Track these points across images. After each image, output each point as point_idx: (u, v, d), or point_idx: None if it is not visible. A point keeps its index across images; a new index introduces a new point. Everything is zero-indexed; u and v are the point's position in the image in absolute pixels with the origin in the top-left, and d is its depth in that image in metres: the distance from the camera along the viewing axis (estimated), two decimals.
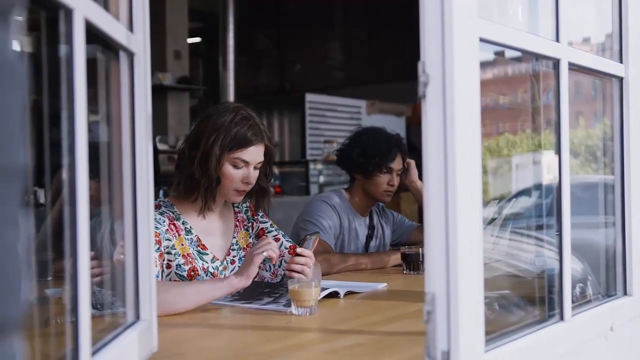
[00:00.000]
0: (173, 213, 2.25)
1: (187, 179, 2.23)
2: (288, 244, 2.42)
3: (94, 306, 1.18)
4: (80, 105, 1.03)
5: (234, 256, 2.37)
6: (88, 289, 1.04)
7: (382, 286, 2.38)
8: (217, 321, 1.86)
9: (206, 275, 2.24)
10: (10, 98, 0.55)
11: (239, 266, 2.34)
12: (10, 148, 0.55)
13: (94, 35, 1.13)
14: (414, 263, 2.68)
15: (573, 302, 1.58)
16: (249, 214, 2.46)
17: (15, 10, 0.56)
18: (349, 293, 2.21)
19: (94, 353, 1.11)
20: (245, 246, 2.40)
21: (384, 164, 3.03)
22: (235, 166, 2.22)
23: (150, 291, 1.41)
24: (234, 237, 2.39)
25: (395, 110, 8.50)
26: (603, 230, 2.00)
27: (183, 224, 2.26)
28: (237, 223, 2.42)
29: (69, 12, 1.00)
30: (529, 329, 1.45)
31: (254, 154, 2.24)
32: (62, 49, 1.03)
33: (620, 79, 1.84)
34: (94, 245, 1.10)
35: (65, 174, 1.04)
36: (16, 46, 0.57)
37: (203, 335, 1.76)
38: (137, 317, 1.39)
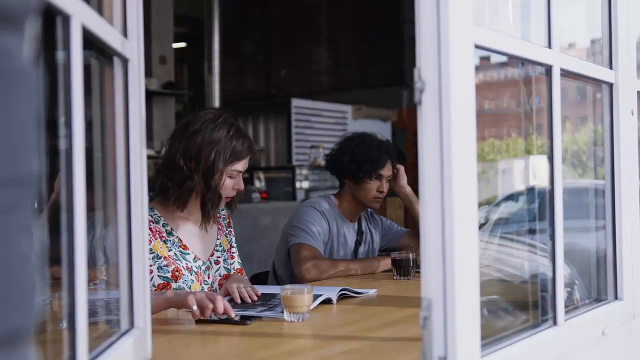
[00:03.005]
0: (152, 216, 2.28)
1: (187, 192, 2.28)
2: (237, 266, 2.51)
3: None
4: (78, 111, 1.02)
5: (217, 257, 2.43)
6: (85, 297, 1.04)
7: (372, 292, 2.38)
8: (210, 328, 1.85)
9: (190, 274, 2.29)
10: (25, 106, 0.54)
11: (223, 267, 2.43)
12: (24, 156, 0.55)
13: (88, 41, 1.12)
14: (404, 268, 2.68)
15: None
16: (225, 222, 2.54)
17: (29, 18, 0.56)
18: (342, 297, 2.21)
19: None
20: (226, 249, 2.49)
21: (374, 170, 3.03)
22: (231, 177, 2.32)
23: (144, 299, 1.41)
24: (218, 239, 2.46)
25: (381, 115, 8.52)
26: (590, 234, 2.01)
27: (163, 226, 2.31)
28: (220, 226, 2.49)
29: (66, 18, 1.00)
30: (524, 334, 1.46)
31: (246, 163, 2.36)
32: (59, 55, 1.02)
33: (610, 85, 1.85)
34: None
35: (61, 181, 1.03)
36: (29, 54, 0.57)
37: (196, 342, 1.75)
38: (132, 325, 1.38)
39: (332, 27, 9.99)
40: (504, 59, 1.58)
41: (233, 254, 2.53)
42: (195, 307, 1.83)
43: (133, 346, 1.33)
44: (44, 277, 0.60)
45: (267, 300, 2.15)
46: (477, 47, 1.26)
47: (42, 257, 0.60)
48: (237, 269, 2.50)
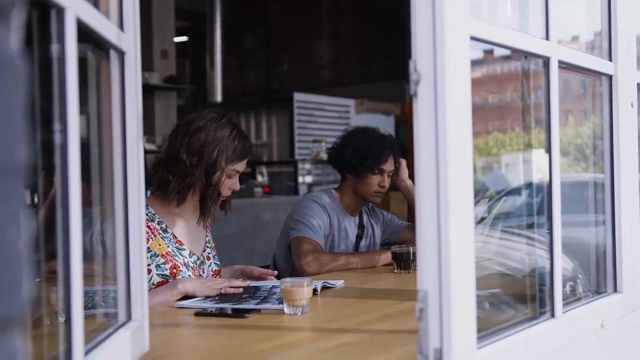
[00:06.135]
0: (147, 214, 2.29)
1: (187, 187, 2.31)
2: (215, 268, 2.50)
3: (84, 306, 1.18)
4: (73, 105, 1.02)
5: (208, 253, 2.48)
6: (81, 290, 1.04)
7: (339, 283, 2.41)
8: (208, 321, 1.85)
9: (187, 270, 2.32)
10: (12, 96, 0.55)
11: (214, 263, 2.48)
12: (12, 146, 0.55)
13: (84, 34, 1.12)
14: (404, 262, 2.68)
15: (563, 299, 1.58)
16: (209, 222, 2.56)
17: (16, 8, 0.56)
18: (324, 288, 2.27)
19: (86, 353, 1.10)
20: (213, 247, 2.54)
21: (376, 165, 3.02)
22: (229, 176, 2.35)
23: (141, 291, 1.41)
24: (207, 236, 2.50)
25: (383, 109, 8.51)
26: (592, 228, 2.01)
27: (158, 223, 2.33)
28: (208, 225, 2.53)
29: (60, 11, 1.00)
30: (521, 326, 1.46)
31: (245, 164, 2.40)
32: (54, 48, 1.02)
33: (610, 77, 1.85)
34: (83, 246, 1.10)
35: (56, 175, 1.03)
36: (16, 44, 0.57)
37: (195, 335, 1.75)
38: (129, 317, 1.39)
39: (334, 20, 9.98)
40: (507, 52, 1.58)
41: (208, 256, 2.54)
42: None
43: (130, 338, 1.33)
44: (33, 266, 0.60)
45: (254, 293, 2.16)
46: (473, 39, 1.26)
47: (31, 246, 0.60)
48: (215, 270, 2.50)
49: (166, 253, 2.28)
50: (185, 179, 2.29)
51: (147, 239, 2.24)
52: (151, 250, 2.24)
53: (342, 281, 2.44)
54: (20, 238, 0.56)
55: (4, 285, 0.54)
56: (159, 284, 2.23)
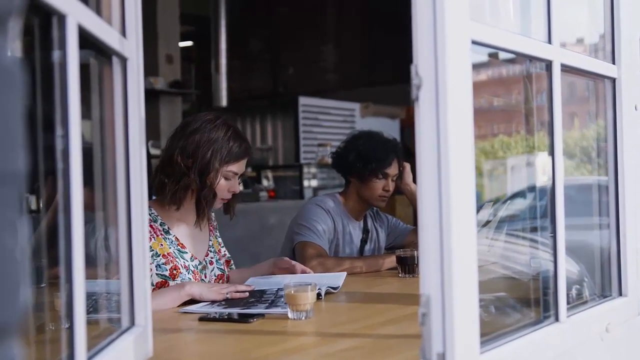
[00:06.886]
0: (150, 215, 2.30)
1: (183, 189, 2.31)
2: (218, 272, 2.50)
3: (87, 311, 1.18)
4: (74, 111, 1.03)
5: (211, 257, 2.48)
6: (83, 295, 1.04)
7: (343, 276, 2.44)
8: (212, 326, 1.85)
9: (187, 273, 2.32)
10: (10, 103, 0.55)
11: (217, 267, 2.48)
12: (10, 153, 0.55)
13: (86, 40, 1.12)
14: (409, 266, 2.68)
15: (569, 303, 1.58)
16: (215, 224, 2.58)
17: (13, 16, 0.56)
18: (328, 293, 2.26)
19: (89, 358, 1.10)
20: (217, 250, 2.52)
21: (380, 169, 3.02)
22: (226, 178, 2.35)
23: (145, 297, 1.41)
24: (210, 240, 2.50)
25: (389, 112, 8.50)
26: (598, 231, 2.00)
27: (161, 225, 2.34)
28: (212, 228, 2.53)
29: (62, 18, 1.00)
30: (525, 330, 1.45)
31: (243, 165, 2.39)
32: (55, 54, 1.03)
33: (613, 80, 1.84)
34: (87, 252, 1.10)
35: (59, 180, 1.03)
36: (14, 52, 0.57)
37: (198, 340, 1.75)
38: (132, 323, 1.39)
39: (339, 24, 9.97)
40: (512, 55, 1.58)
41: (221, 249, 2.56)
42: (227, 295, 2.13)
43: (134, 344, 1.33)
44: (33, 273, 0.61)
45: (260, 297, 2.16)
46: (474, 42, 1.26)
47: (30, 253, 0.60)
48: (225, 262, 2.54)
49: (167, 254, 2.29)
50: (181, 181, 2.29)
51: (149, 238, 2.24)
52: (153, 250, 2.25)
53: (344, 273, 2.46)
54: (17, 246, 0.56)
55: (2, 292, 0.54)
56: (158, 285, 2.24)
